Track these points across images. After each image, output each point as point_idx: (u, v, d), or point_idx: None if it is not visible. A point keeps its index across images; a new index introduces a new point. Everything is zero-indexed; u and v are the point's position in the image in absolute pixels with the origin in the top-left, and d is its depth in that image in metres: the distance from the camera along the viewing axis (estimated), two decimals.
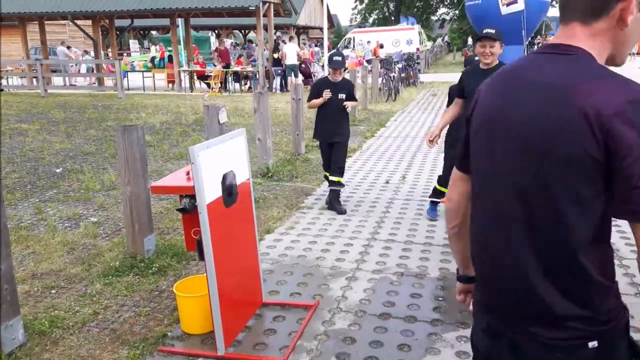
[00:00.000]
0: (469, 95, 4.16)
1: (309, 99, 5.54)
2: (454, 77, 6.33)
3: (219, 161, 3.11)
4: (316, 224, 5.20)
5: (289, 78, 18.58)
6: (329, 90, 5.34)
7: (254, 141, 6.95)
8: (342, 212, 5.45)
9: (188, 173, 3.15)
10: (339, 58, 5.44)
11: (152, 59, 24.54)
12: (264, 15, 18.57)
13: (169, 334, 3.32)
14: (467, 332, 3.24)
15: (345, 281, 3.96)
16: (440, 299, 3.68)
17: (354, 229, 5.04)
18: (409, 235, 4.83)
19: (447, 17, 48.95)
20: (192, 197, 2.96)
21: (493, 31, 4.09)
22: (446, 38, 43.21)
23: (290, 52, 18.42)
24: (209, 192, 2.97)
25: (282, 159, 7.80)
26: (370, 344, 3.16)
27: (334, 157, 5.51)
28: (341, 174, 5.55)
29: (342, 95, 5.39)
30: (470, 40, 38.25)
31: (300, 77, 18.94)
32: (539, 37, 38.08)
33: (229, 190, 3.18)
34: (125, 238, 4.58)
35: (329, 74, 5.66)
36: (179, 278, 4.06)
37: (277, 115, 12.12)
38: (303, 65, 19.00)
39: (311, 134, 9.87)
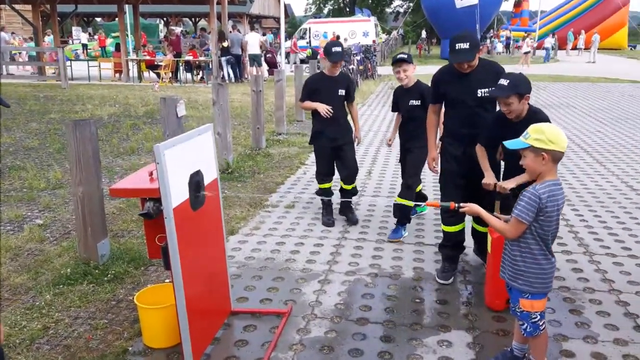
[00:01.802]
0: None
1: (303, 98, 4.88)
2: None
3: (185, 160, 2.84)
4: (283, 223, 4.98)
5: (251, 68, 18.16)
6: (330, 108, 4.68)
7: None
8: (354, 221, 4.92)
9: (151, 173, 2.86)
10: (339, 49, 4.71)
11: (84, 47, 23.51)
12: (218, 3, 18.01)
13: (130, 349, 3.03)
14: (448, 335, 3.12)
15: (318, 284, 3.77)
16: (418, 300, 3.55)
17: (323, 228, 4.84)
18: (379, 234, 4.69)
19: (402, 10, 49.35)
20: (157, 200, 2.68)
21: (405, 56, 4.43)
22: (401, 31, 43.54)
23: (253, 41, 18.00)
24: (176, 194, 2.70)
25: (242, 154, 7.51)
26: (349, 352, 2.98)
27: (346, 163, 4.84)
28: (354, 180, 4.98)
29: (341, 92, 4.79)
30: (424, 34, 38.68)
31: (265, 67, 18.57)
32: (491, 31, 38.90)
33: (197, 192, 2.92)
34: (75, 242, 4.22)
35: (321, 67, 5.15)
36: (138, 286, 3.76)
37: (233, 107, 11.74)
38: (269, 55, 18.62)
39: (273, 127, 9.74)
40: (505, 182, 3.29)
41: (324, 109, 4.67)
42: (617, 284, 3.72)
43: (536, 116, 3.16)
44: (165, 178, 2.59)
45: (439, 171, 3.94)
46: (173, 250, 2.69)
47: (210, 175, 3.15)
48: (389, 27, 46.52)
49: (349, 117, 4.95)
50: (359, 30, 28.55)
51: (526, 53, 25.36)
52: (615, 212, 5.21)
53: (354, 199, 5.19)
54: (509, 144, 2.62)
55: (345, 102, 4.89)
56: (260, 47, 18.39)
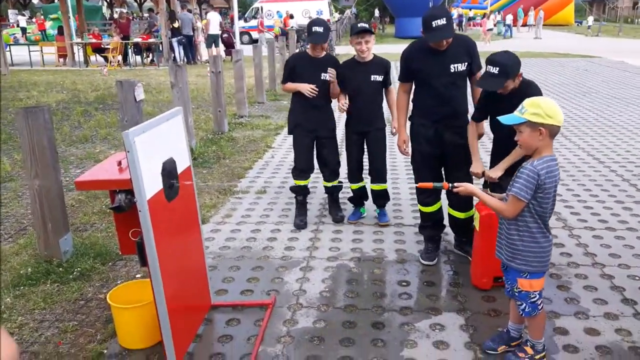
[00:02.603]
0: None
1: (284, 80, 4.32)
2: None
3: (157, 147, 2.60)
4: (255, 210, 4.77)
5: (209, 49, 17.60)
6: (315, 87, 4.11)
7: None
8: (339, 219, 4.46)
9: (120, 163, 2.61)
10: (320, 29, 4.06)
11: (23, 30, 22.24)
12: None
13: (106, 351, 2.81)
14: (440, 318, 3.04)
15: (300, 272, 3.61)
16: (404, 283, 3.45)
17: None
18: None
19: None
20: (129, 192, 2.45)
21: (366, 25, 4.10)
22: (354, 10, 43.27)
23: (215, 21, 17.43)
24: (149, 185, 2.46)
25: (205, 139, 7.20)
26: (341, 342, 2.85)
27: (325, 160, 4.36)
28: (337, 176, 4.48)
29: (325, 76, 4.14)
30: (377, 12, 38.55)
31: (222, 47, 18.00)
32: None
33: (171, 181, 2.69)
34: (34, 239, 3.90)
35: (306, 48, 4.46)
36: (107, 283, 3.51)
37: (190, 90, 11.31)
38: (225, 35, 18.04)
39: (233, 109, 9.40)
40: (492, 170, 3.20)
41: (307, 88, 4.11)
42: (599, 257, 3.73)
43: (529, 89, 3.06)
44: (137, 168, 2.35)
45: (410, 153, 3.81)
46: (149, 245, 2.46)
47: (183, 162, 2.92)
48: (341, 6, 46.14)
49: (334, 105, 4.27)
50: (312, 9, 28.16)
51: (489, 30, 25.72)
52: (587, 185, 5.27)
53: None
54: (504, 119, 2.50)
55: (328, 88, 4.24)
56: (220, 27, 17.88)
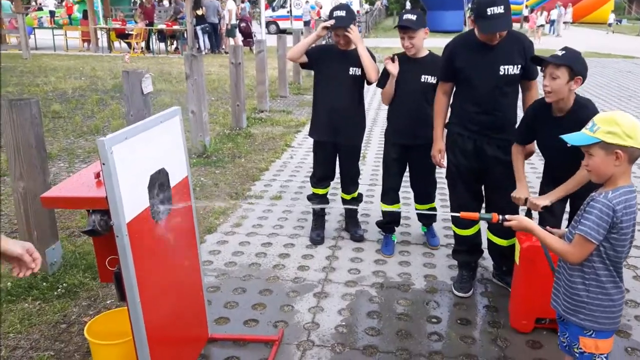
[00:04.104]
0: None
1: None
2: (395, 42, 5.35)
3: (143, 157, 2.16)
4: (269, 218, 4.31)
5: (227, 39, 17.18)
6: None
7: (185, 113, 5.88)
8: (358, 238, 3.93)
9: (98, 175, 2.17)
10: (342, 13, 3.51)
11: (52, 14, 22.10)
12: None
13: None
14: None
15: (314, 299, 3.14)
16: (434, 320, 2.95)
17: None
18: (381, 232, 4.05)
19: None
20: (105, 212, 2.00)
21: (414, 18, 3.36)
22: (384, 1, 42.33)
23: (234, 10, 16.99)
24: (131, 204, 2.02)
25: (221, 135, 6.76)
26: None
27: (343, 169, 3.86)
28: (356, 188, 3.95)
29: (354, 70, 3.57)
30: (408, 4, 37.58)
31: (240, 37, 17.54)
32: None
33: (160, 198, 2.24)
34: None
35: (332, 39, 3.79)
36: (95, 302, 3.10)
37: (210, 80, 10.93)
38: (243, 24, 17.55)
39: (254, 103, 8.93)
40: (538, 198, 2.69)
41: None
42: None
43: (586, 110, 2.53)
44: (115, 184, 1.90)
45: (445, 166, 3.27)
46: (128, 276, 2.02)
47: (178, 173, 2.47)
48: None
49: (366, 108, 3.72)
50: (342, 0, 27.51)
51: (540, 26, 24.68)
52: None
53: (362, 185, 4.21)
54: (570, 138, 1.98)
55: (360, 86, 3.66)
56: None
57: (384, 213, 3.80)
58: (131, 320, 2.09)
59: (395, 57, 3.50)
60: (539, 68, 2.77)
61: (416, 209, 3.87)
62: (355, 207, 3.94)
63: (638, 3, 52.60)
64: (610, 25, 31.83)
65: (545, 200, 2.63)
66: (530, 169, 4.47)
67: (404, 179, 3.75)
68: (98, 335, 2.44)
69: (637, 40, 26.98)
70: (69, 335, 2.81)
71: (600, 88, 11.37)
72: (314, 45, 3.71)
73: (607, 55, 18.45)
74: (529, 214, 2.87)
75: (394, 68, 3.45)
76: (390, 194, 3.73)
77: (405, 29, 3.35)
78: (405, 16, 3.42)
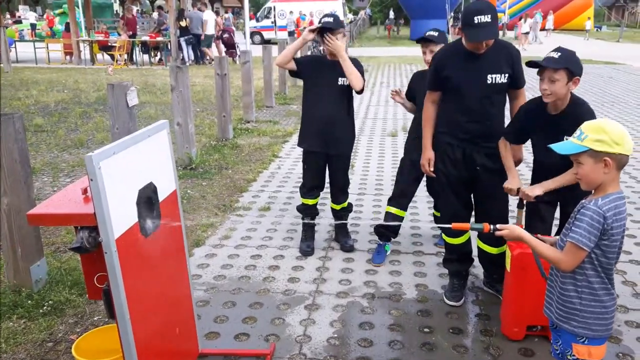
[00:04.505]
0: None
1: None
2: (380, 51, 5.32)
3: (132, 172, 2.12)
4: (257, 230, 4.28)
5: (209, 49, 17.13)
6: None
7: (171, 125, 5.84)
8: (348, 248, 3.91)
9: (86, 190, 2.13)
10: (330, 19, 3.56)
11: (33, 27, 21.94)
12: None
13: None
14: None
15: (305, 311, 3.12)
16: (427, 330, 2.94)
17: None
18: (371, 241, 4.05)
19: None
20: (93, 229, 1.96)
21: (435, 34, 3.53)
22: (368, 11, 42.62)
23: (211, 20, 16.93)
24: (120, 220, 1.99)
25: (207, 146, 6.72)
26: None
27: (332, 179, 3.83)
28: (346, 198, 3.92)
29: (343, 80, 3.57)
30: (392, 14, 37.88)
31: (223, 48, 17.50)
32: (460, 13, 38.46)
33: (149, 213, 2.21)
34: (1, 266, 3.44)
35: (322, 50, 3.77)
36: (82, 319, 3.04)
37: (195, 92, 10.87)
38: (226, 35, 17.52)
39: (240, 113, 8.90)
40: (530, 188, 2.70)
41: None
42: None
43: (580, 108, 2.56)
44: (103, 200, 1.87)
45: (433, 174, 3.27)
46: (117, 294, 1.99)
47: (167, 187, 2.43)
48: (355, 7, 45.55)
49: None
50: (326, 10, 27.69)
51: (525, 33, 24.94)
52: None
53: (351, 194, 4.23)
54: (558, 147, 1.98)
55: (349, 96, 3.67)
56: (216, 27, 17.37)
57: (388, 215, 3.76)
58: (121, 337, 2.05)
59: (399, 89, 3.83)
60: (530, 74, 2.78)
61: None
62: (345, 222, 3.92)
63: (617, 10, 53.71)
64: (587, 31, 32.36)
65: (538, 190, 2.63)
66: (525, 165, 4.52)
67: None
68: (86, 354, 2.39)
69: (617, 46, 27.48)
70: (55, 354, 2.75)
71: (582, 94, 11.47)
72: (304, 55, 3.72)
73: (588, 62, 18.73)
74: (520, 206, 2.86)
75: (401, 100, 3.81)
76: (398, 199, 3.75)
77: (427, 42, 3.49)
78: (429, 33, 3.55)
